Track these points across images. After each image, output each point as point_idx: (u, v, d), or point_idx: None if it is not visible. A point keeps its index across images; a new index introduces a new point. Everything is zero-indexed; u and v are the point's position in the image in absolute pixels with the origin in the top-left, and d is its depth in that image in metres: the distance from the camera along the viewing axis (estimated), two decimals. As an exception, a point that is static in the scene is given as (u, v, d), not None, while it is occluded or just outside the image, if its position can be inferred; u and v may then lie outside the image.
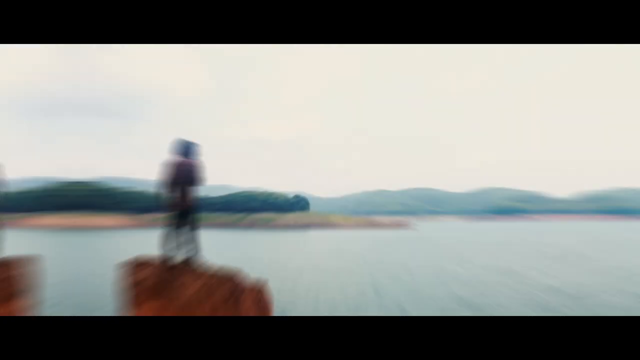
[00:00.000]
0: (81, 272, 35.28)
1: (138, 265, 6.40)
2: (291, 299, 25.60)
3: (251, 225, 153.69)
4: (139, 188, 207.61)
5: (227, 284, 6.42)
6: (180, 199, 7.42)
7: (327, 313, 22.44)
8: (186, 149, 7.62)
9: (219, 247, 57.84)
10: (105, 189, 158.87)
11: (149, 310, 5.98)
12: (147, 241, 74.99)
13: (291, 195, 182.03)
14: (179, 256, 7.29)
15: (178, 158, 7.54)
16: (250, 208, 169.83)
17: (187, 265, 6.78)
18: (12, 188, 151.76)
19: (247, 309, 6.65)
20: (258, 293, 6.98)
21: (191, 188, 7.39)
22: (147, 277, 6.21)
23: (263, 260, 44.60)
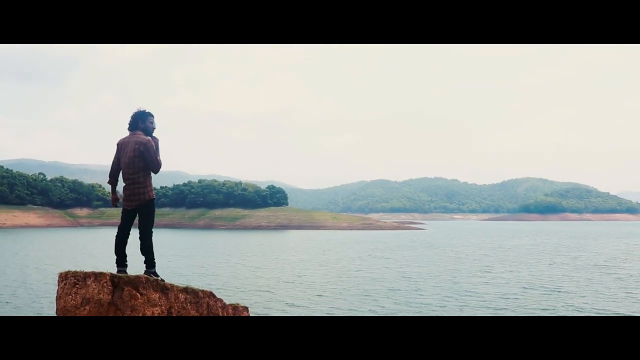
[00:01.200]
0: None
1: (73, 283, 6.13)
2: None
3: (210, 225, 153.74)
4: (70, 176, 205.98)
5: (196, 309, 6.23)
6: (128, 190, 7.16)
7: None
8: (134, 122, 7.30)
9: (164, 256, 57.57)
10: (19, 176, 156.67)
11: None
12: (80, 247, 74.34)
13: (264, 187, 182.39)
14: (128, 269, 7.05)
15: (128, 135, 7.28)
16: (210, 202, 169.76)
17: (141, 283, 6.52)
18: None
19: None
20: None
21: (143, 174, 7.09)
22: (87, 300, 5.97)
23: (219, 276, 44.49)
